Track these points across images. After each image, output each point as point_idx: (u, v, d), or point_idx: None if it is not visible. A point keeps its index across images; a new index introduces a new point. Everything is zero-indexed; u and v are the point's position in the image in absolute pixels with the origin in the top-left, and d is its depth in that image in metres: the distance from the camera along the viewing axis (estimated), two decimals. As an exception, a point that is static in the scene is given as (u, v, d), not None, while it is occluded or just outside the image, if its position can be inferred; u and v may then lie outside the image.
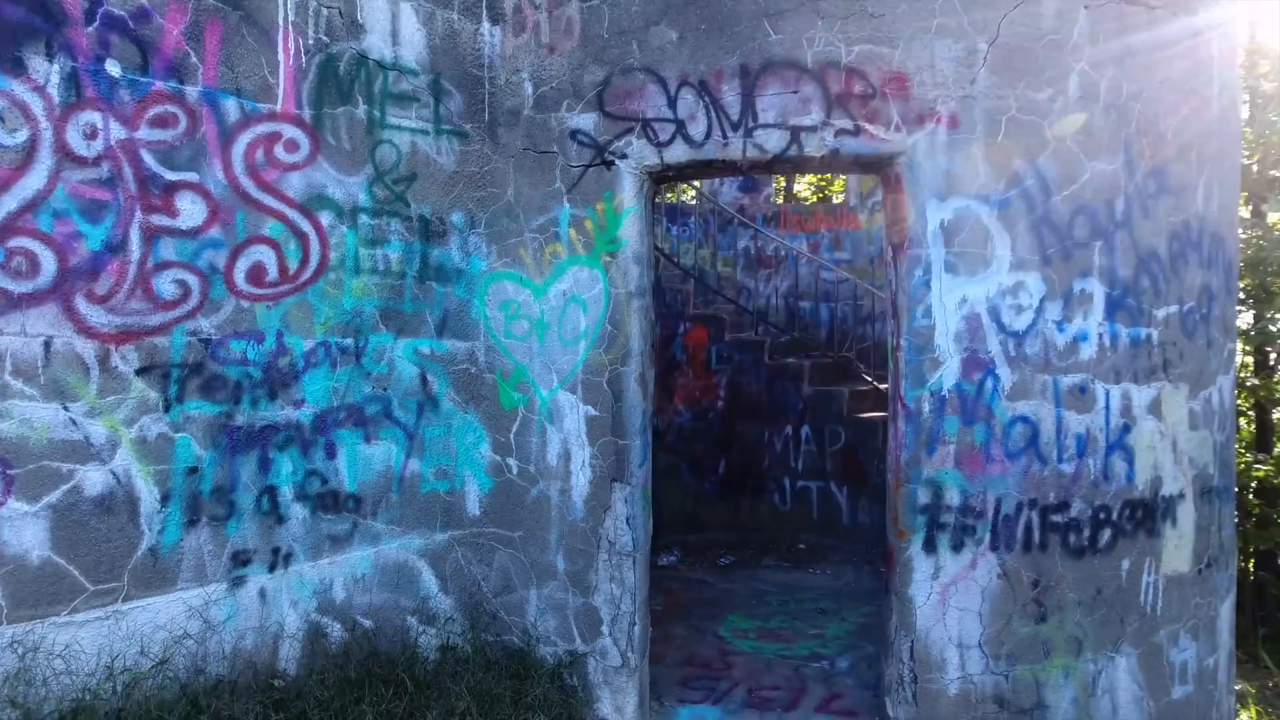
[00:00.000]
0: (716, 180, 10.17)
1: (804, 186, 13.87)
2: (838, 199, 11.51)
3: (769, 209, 10.05)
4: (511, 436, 4.12)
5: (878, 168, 3.74)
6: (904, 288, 3.63)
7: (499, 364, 4.15)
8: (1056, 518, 3.63)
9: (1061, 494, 3.63)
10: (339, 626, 3.65)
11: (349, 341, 3.68)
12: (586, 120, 3.85)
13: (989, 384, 3.60)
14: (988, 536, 3.62)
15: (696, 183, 9.84)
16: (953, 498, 3.61)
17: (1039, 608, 3.64)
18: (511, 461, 4.12)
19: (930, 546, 3.63)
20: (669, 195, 9.87)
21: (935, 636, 3.60)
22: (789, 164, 3.78)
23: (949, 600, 3.62)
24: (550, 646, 4.02)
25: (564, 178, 3.92)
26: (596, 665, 3.89)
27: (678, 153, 3.72)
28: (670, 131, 3.72)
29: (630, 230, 3.81)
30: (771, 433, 8.20)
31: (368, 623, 3.75)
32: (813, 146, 3.60)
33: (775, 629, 5.44)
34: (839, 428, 7.98)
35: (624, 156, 3.79)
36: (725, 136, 3.66)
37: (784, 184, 12.81)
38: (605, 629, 3.87)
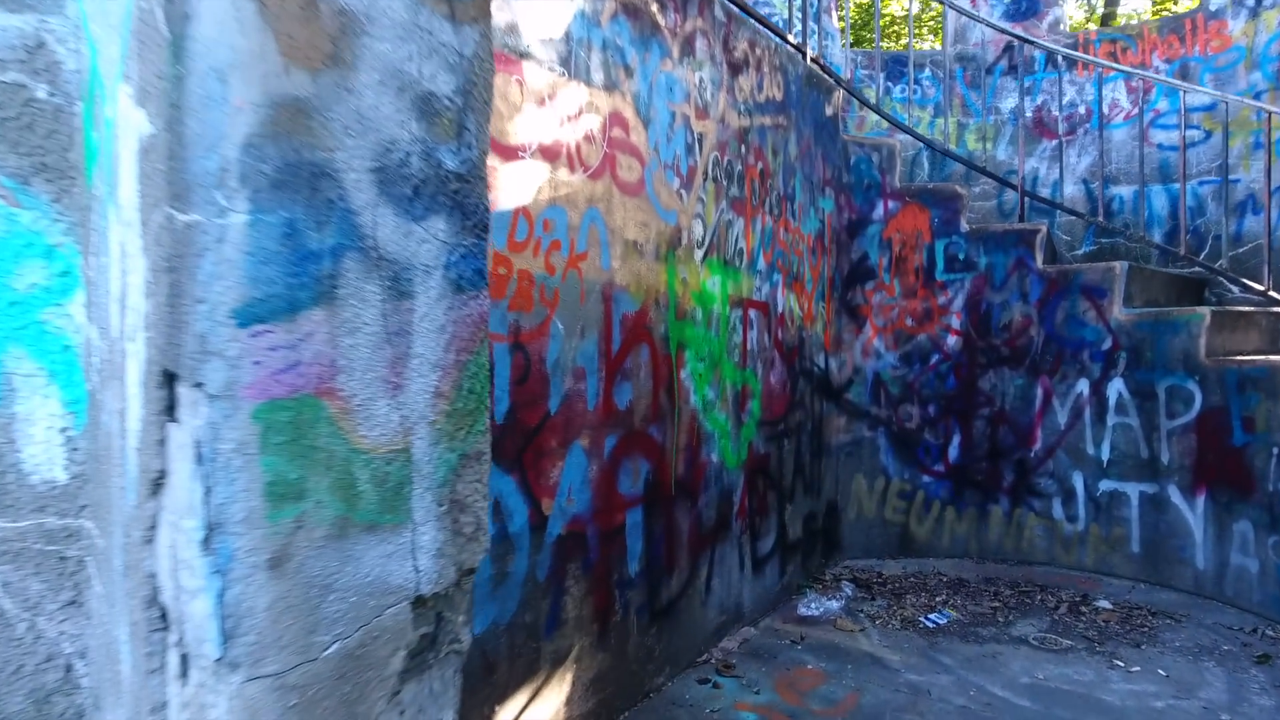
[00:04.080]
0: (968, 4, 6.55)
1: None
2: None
3: (1057, 43, 6.21)
4: (92, 259, 1.45)
5: None
6: None
7: (84, 61, 1.50)
8: None
9: None
10: None
11: None
12: None
13: None
14: None
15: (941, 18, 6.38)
16: None
17: None
18: (94, 335, 1.45)
19: None
20: (885, 42, 6.49)
21: None
22: None
23: None
24: None
25: None
26: None
27: None
28: None
29: None
30: (1048, 390, 4.59)
31: None
32: None
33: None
34: (1187, 383, 4.17)
35: None
36: None
37: None
38: None
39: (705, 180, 3.31)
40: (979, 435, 4.71)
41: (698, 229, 3.24)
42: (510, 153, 2.30)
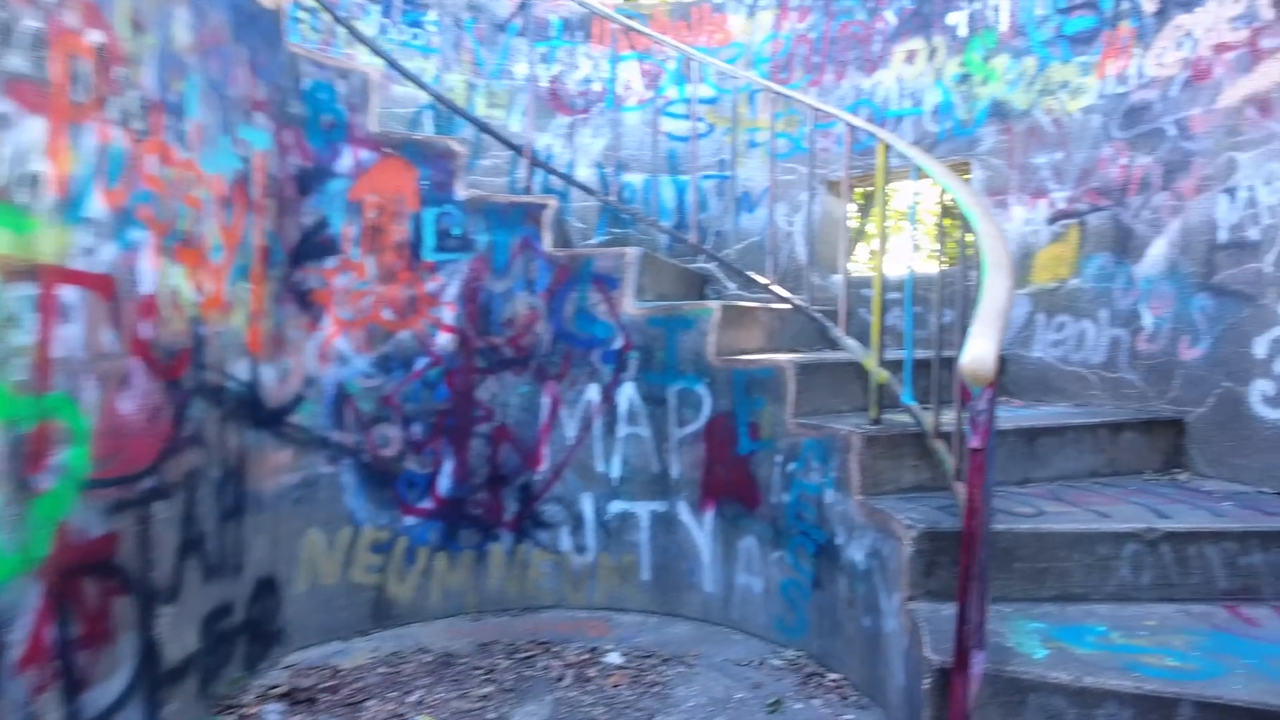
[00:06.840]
0: (474, -58, 5.63)
1: None
2: None
3: (570, 12, 5.63)
4: None
5: None
6: None
7: None
8: None
9: None
10: None
11: None
12: None
13: None
14: None
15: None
16: None
17: None
18: None
19: None
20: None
21: None
22: None
23: None
24: None
25: None
26: None
27: None
28: None
29: None
30: (557, 398, 3.82)
31: None
32: None
33: None
34: (696, 386, 3.72)
35: None
36: None
37: None
38: None
39: (-89, 21, 1.64)
40: (477, 458, 3.74)
41: (-124, 113, 1.57)
42: None
